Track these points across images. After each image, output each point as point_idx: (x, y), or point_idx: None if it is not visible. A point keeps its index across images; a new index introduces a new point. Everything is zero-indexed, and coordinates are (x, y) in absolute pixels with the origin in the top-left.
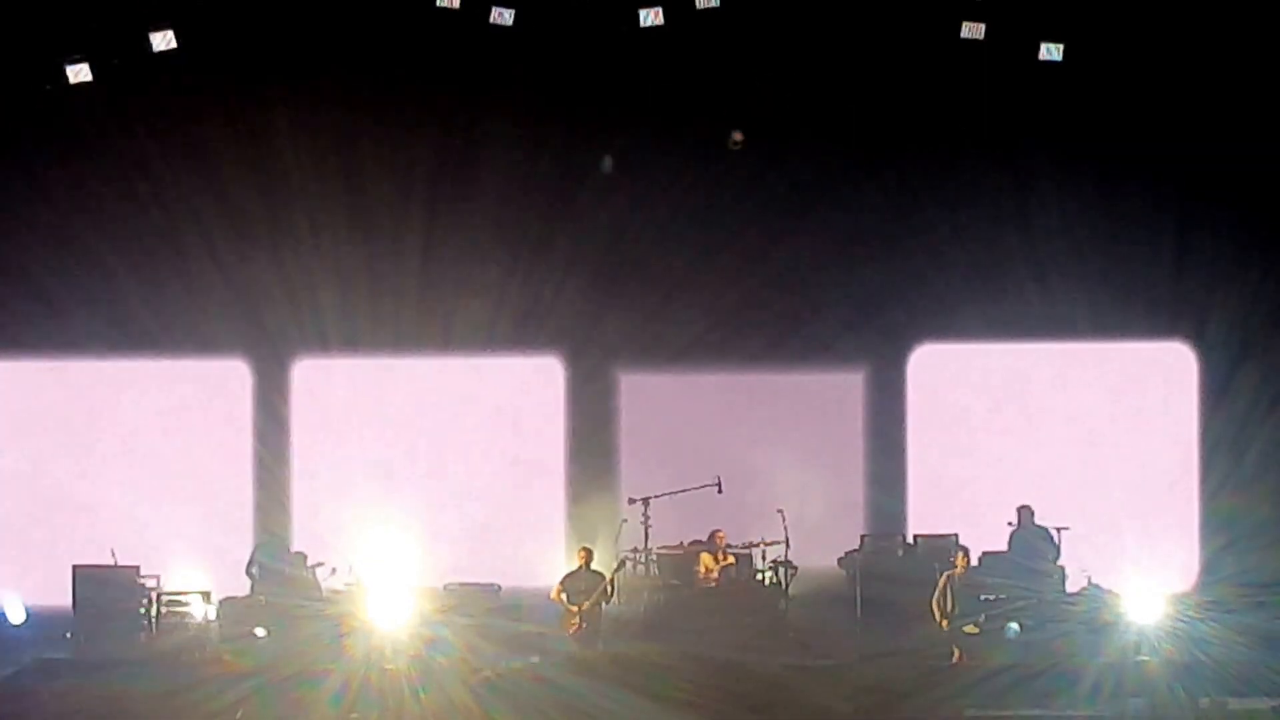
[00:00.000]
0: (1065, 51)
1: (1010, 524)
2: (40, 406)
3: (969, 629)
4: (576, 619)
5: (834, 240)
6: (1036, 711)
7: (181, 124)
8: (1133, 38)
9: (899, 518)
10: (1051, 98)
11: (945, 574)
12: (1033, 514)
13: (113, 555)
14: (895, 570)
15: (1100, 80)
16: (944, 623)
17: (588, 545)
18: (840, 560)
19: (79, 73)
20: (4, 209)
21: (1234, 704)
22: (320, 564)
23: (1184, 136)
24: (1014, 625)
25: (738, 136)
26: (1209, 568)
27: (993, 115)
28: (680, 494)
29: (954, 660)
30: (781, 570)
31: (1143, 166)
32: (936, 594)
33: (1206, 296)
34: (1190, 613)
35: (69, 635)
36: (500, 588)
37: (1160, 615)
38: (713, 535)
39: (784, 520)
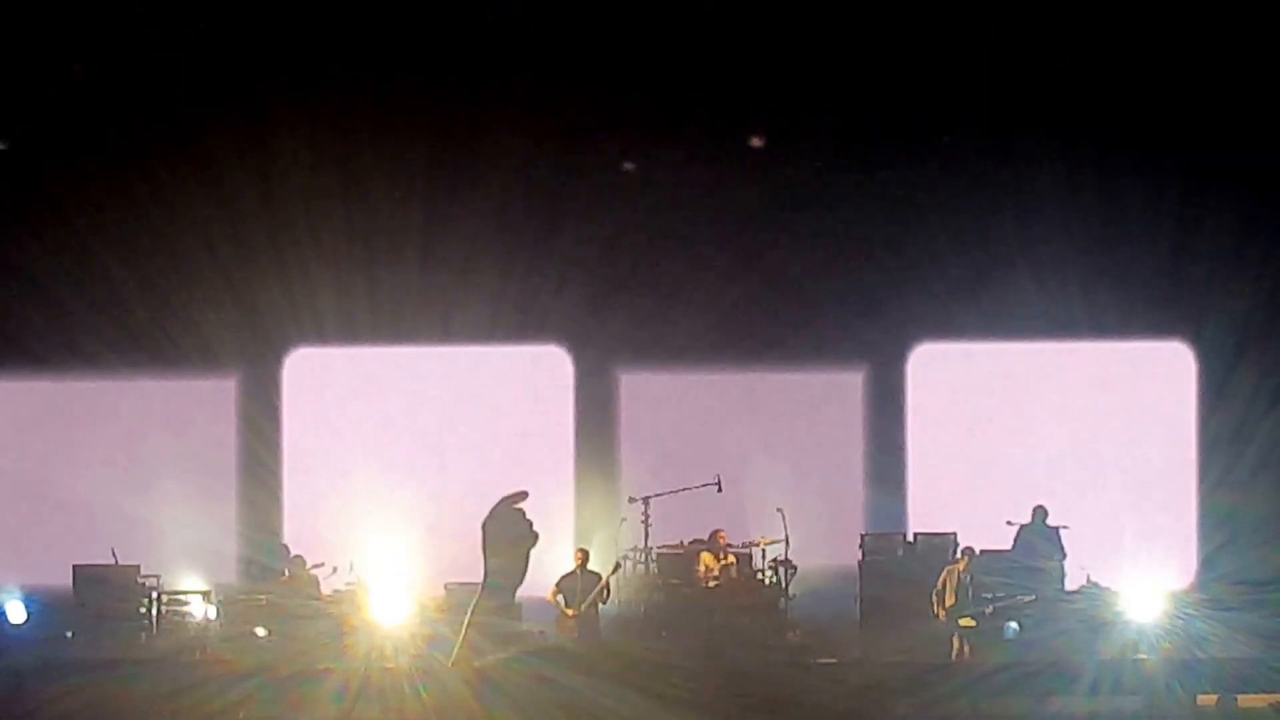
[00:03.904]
0: (1064, 47)
1: (1010, 522)
2: (42, 406)
3: (965, 622)
4: (572, 621)
5: (833, 237)
6: (1036, 709)
7: (181, 119)
8: (1132, 33)
9: (899, 517)
10: (1050, 94)
11: (947, 569)
12: (1046, 514)
13: (113, 555)
14: (895, 569)
15: (1099, 77)
16: (942, 614)
17: (584, 547)
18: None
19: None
20: (5, 209)
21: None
22: (320, 564)
23: (1183, 133)
24: (1013, 625)
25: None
26: (1208, 565)
27: (991, 111)
28: (680, 493)
29: (954, 654)
30: (782, 569)
31: (1141, 162)
32: (938, 587)
33: (1205, 293)
34: (1189, 610)
35: (69, 635)
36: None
37: (1159, 613)
38: (714, 535)
39: (784, 519)
